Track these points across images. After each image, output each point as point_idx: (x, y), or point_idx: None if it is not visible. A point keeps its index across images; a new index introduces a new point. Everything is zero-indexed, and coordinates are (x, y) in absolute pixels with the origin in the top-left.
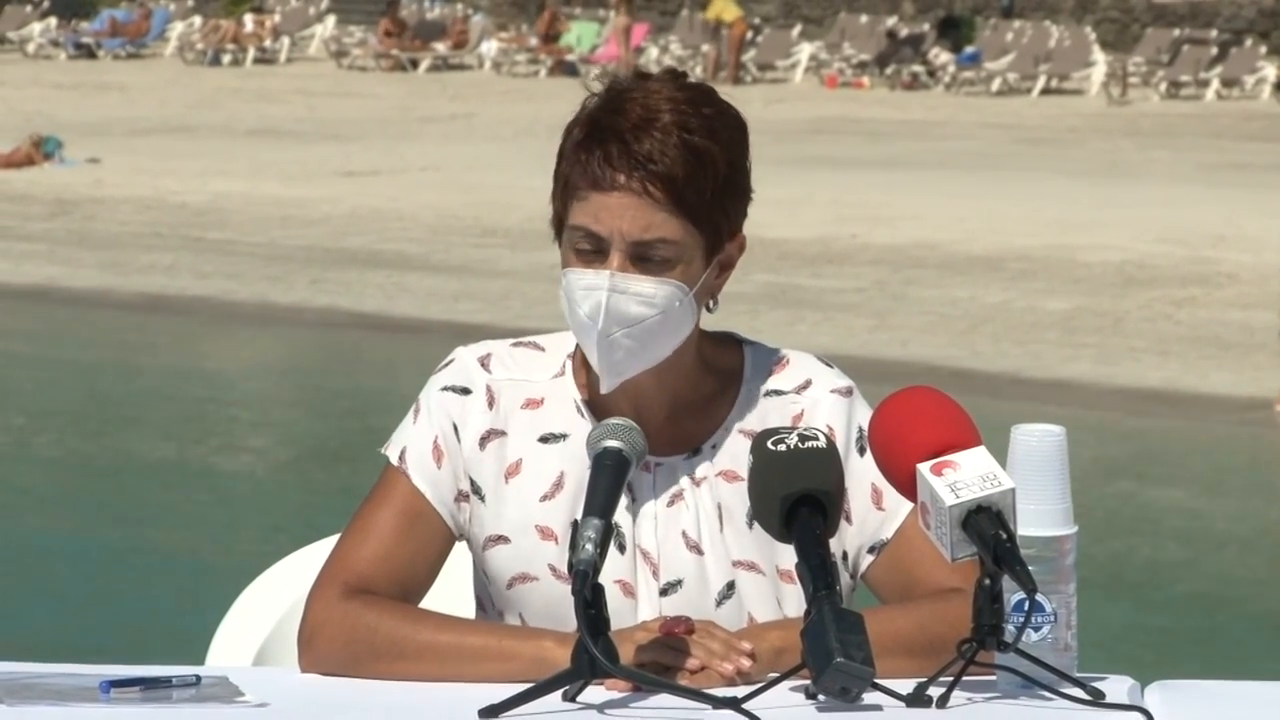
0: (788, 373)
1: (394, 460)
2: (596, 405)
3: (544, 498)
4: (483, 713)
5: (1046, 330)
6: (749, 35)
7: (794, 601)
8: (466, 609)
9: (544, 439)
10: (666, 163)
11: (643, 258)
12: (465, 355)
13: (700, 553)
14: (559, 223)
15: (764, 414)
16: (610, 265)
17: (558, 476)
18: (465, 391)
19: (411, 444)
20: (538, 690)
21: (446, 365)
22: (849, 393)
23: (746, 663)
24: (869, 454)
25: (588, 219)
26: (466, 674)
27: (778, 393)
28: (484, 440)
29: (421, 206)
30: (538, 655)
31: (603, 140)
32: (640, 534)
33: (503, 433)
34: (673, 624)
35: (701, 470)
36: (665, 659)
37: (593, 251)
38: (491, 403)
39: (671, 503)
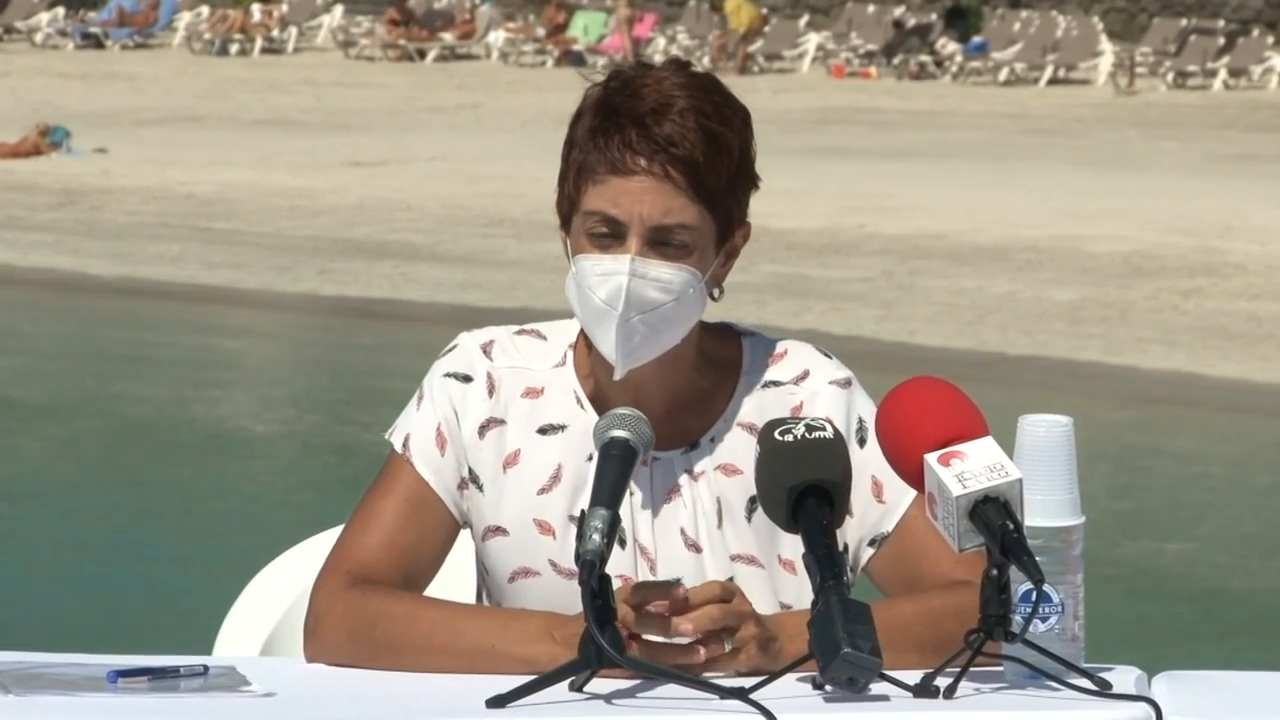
0: (786, 364)
1: (398, 448)
2: (597, 397)
3: (541, 490)
4: (490, 702)
5: (1053, 321)
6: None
7: (791, 591)
8: (468, 597)
9: (542, 430)
10: (687, 147)
11: (660, 243)
12: (468, 341)
13: (699, 550)
14: (568, 212)
15: (763, 406)
16: (629, 250)
17: (555, 469)
18: (466, 379)
19: (415, 431)
20: (545, 680)
21: (450, 350)
22: (848, 384)
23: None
24: (868, 445)
25: (605, 203)
26: (469, 669)
27: (776, 384)
28: (483, 429)
29: (428, 197)
30: (529, 660)
31: (620, 125)
32: (638, 529)
33: (502, 421)
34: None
35: (700, 464)
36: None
37: (609, 236)
38: (491, 390)
39: (669, 498)
